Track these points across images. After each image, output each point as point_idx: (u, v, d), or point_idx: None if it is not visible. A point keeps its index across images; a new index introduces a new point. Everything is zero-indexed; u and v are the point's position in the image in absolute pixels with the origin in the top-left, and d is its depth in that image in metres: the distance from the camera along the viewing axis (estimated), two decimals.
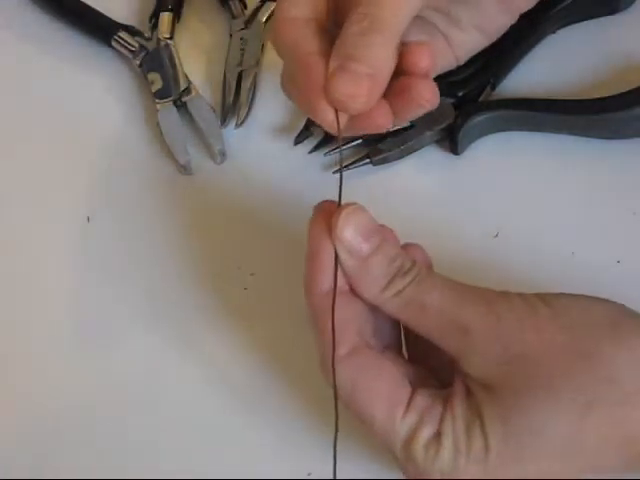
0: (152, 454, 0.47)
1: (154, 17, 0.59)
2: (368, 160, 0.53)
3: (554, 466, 0.36)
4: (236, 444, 0.46)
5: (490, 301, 0.38)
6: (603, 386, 0.35)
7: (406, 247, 0.42)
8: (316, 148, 0.54)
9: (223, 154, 0.54)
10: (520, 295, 0.38)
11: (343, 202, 0.40)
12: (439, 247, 0.51)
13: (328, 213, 0.40)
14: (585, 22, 0.56)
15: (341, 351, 0.38)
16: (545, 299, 0.38)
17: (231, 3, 0.59)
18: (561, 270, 0.49)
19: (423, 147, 0.53)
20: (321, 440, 0.44)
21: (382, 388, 0.38)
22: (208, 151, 0.55)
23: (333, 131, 0.40)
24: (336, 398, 0.38)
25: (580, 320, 0.37)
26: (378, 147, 0.53)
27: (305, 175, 0.54)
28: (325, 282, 0.39)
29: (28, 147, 0.56)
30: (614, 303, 0.39)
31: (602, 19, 0.56)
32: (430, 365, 0.41)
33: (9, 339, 0.51)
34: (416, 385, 0.39)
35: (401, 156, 0.53)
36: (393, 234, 0.41)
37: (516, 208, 0.51)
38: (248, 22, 0.58)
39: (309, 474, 0.45)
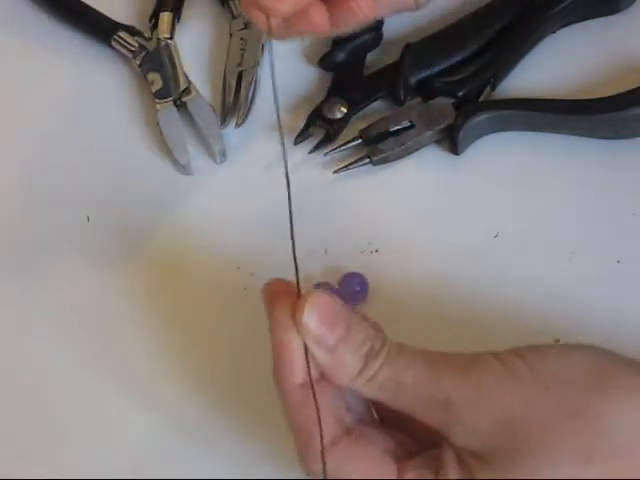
0: (147, 447, 0.47)
1: (154, 17, 0.59)
2: (368, 160, 0.53)
3: None
4: (236, 444, 0.46)
5: (466, 368, 0.37)
6: (598, 440, 0.34)
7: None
8: (316, 148, 0.54)
9: (223, 154, 0.54)
10: (494, 355, 0.37)
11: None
12: (439, 247, 0.51)
13: (285, 298, 0.39)
14: (585, 22, 0.56)
15: (318, 445, 0.37)
16: (521, 355, 0.37)
17: (231, 3, 0.59)
18: (561, 270, 0.49)
19: (423, 147, 0.53)
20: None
21: (369, 474, 0.37)
22: (208, 151, 0.55)
23: (269, 34, 0.41)
24: None
25: (561, 375, 0.36)
26: (378, 147, 0.53)
27: (305, 175, 0.54)
28: (297, 374, 0.38)
29: (28, 147, 0.56)
30: (592, 350, 0.37)
31: (602, 19, 0.56)
32: (406, 429, 0.40)
33: (9, 340, 0.51)
34: (400, 458, 0.38)
35: (401, 156, 0.53)
36: (356, 311, 0.40)
37: (516, 208, 0.51)
38: (248, 22, 0.58)
39: (309, 474, 0.45)
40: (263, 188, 0.53)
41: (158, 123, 0.55)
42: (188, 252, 0.52)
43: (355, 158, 0.53)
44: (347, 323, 0.38)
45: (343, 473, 0.37)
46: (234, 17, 0.58)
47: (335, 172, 0.53)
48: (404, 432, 0.40)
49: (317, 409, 0.37)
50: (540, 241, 0.50)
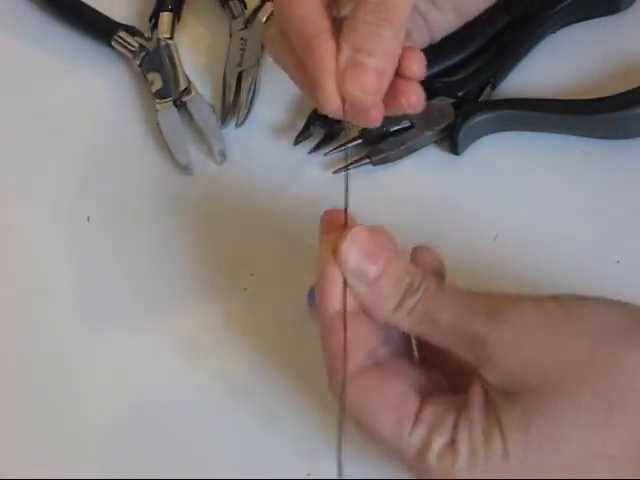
0: (154, 453, 0.47)
1: (154, 17, 0.59)
2: (368, 160, 0.53)
3: (573, 473, 0.35)
4: (236, 444, 0.46)
5: (502, 309, 0.37)
6: (624, 394, 0.35)
7: (416, 251, 0.42)
8: (316, 148, 0.54)
9: (223, 154, 0.54)
10: (533, 298, 0.38)
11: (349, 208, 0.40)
12: (439, 247, 0.51)
13: (335, 231, 0.40)
14: (585, 22, 0.56)
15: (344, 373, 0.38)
16: (559, 301, 0.38)
17: (231, 3, 0.59)
18: (561, 270, 0.49)
19: (423, 147, 0.53)
20: (321, 440, 0.44)
21: (387, 406, 0.38)
22: (208, 151, 0.55)
23: (335, 116, 0.40)
24: (341, 417, 0.37)
25: (597, 324, 0.37)
26: (378, 147, 0.53)
27: (305, 175, 0.54)
28: (336, 302, 0.39)
29: (28, 147, 0.56)
30: (629, 307, 0.38)
31: (602, 19, 0.56)
32: (444, 369, 0.41)
33: (8, 339, 0.51)
34: (427, 393, 0.38)
35: (401, 156, 0.53)
36: (396, 246, 0.41)
37: (516, 208, 0.51)
38: (248, 22, 0.58)
39: (309, 474, 0.45)
40: (263, 188, 0.53)
41: (158, 123, 0.55)
42: (188, 252, 0.52)
43: (355, 158, 0.53)
44: (387, 257, 0.39)
45: (364, 403, 0.38)
46: (234, 17, 0.59)
47: (335, 172, 0.53)
48: (443, 373, 0.40)
49: (345, 337, 0.38)
50: (540, 241, 0.50)
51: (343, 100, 0.39)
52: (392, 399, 0.38)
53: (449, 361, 0.40)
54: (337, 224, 0.40)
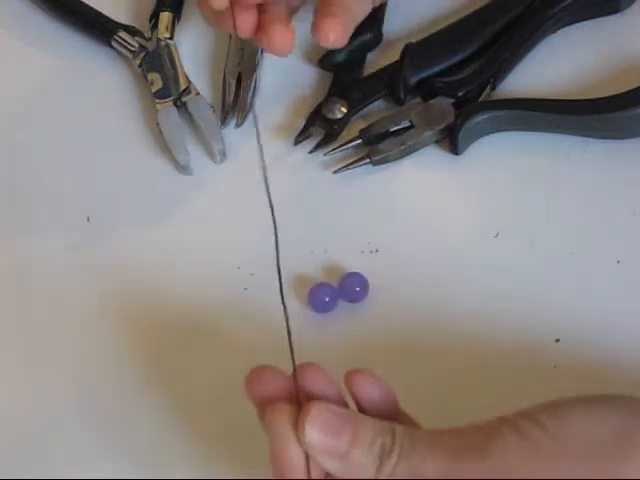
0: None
1: (154, 17, 0.59)
2: (368, 160, 0.53)
3: None
4: (236, 444, 0.46)
5: (485, 448, 0.35)
6: None
7: (353, 382, 0.39)
8: (316, 148, 0.54)
9: (223, 154, 0.54)
10: (511, 426, 0.36)
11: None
12: (439, 247, 0.51)
13: (280, 406, 0.38)
14: (585, 22, 0.56)
15: None
16: (539, 422, 0.35)
17: None
18: (561, 270, 0.49)
19: (423, 147, 0.53)
20: None
21: None
22: (208, 151, 0.55)
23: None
24: None
25: (586, 440, 0.35)
26: (378, 147, 0.53)
27: (305, 175, 0.54)
28: (296, 477, 0.37)
29: (27, 147, 0.56)
30: (614, 405, 0.36)
31: (602, 19, 0.56)
32: None
33: (8, 339, 0.51)
34: None
35: (401, 156, 0.53)
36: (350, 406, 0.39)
37: (516, 208, 0.51)
38: None
39: None
40: (263, 188, 0.53)
41: (158, 123, 0.55)
42: (188, 252, 0.52)
43: (355, 158, 0.53)
44: (352, 427, 0.37)
45: None
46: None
47: (335, 172, 0.53)
48: None
49: None
50: (540, 241, 0.50)
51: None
52: None
53: None
54: (274, 396, 0.38)
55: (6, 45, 0.60)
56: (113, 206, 0.54)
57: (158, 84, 0.56)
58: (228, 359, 0.48)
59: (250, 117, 0.55)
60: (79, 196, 0.54)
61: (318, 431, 0.37)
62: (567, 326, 0.48)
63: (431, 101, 0.53)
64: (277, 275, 0.42)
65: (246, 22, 0.46)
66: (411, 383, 0.43)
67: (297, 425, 0.37)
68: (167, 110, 0.55)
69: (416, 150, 0.53)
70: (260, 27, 0.46)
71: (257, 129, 0.39)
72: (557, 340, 0.47)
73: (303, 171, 0.54)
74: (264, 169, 0.39)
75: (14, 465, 0.46)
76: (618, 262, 0.49)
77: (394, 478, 0.36)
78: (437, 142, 0.53)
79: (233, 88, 0.56)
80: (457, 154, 0.53)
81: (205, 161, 0.55)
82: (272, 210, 0.39)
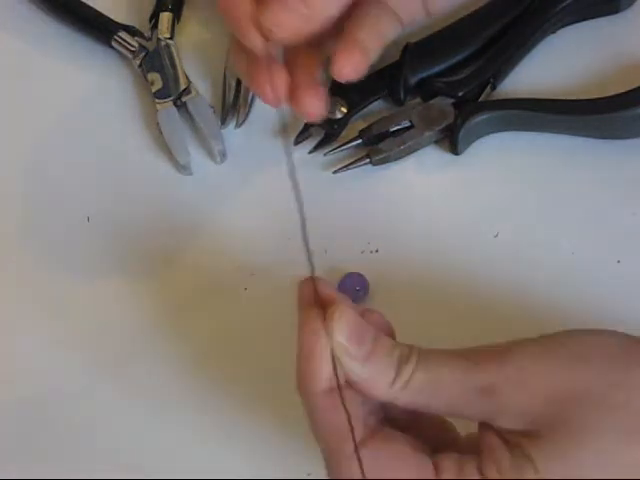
0: (152, 453, 0.47)
1: (154, 17, 0.59)
2: (368, 160, 0.53)
3: None
4: (236, 444, 0.46)
5: (502, 353, 0.37)
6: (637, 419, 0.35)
7: (365, 314, 0.40)
8: (316, 148, 0.54)
9: (223, 154, 0.54)
10: (527, 339, 0.37)
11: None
12: (439, 247, 0.51)
13: (312, 306, 0.39)
14: (585, 22, 0.56)
15: (351, 448, 0.37)
16: (551, 336, 0.37)
17: None
18: (561, 270, 0.49)
19: (423, 147, 0.53)
20: None
21: (408, 469, 0.37)
22: (208, 151, 0.55)
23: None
24: None
25: (595, 350, 0.37)
26: (378, 147, 0.53)
27: (305, 175, 0.53)
28: (324, 381, 0.37)
29: (27, 146, 0.56)
30: (617, 332, 0.38)
31: (602, 19, 0.56)
32: (412, 432, 0.39)
33: (7, 339, 0.51)
34: (427, 452, 0.38)
35: (401, 156, 0.53)
36: (379, 317, 0.40)
37: (516, 208, 0.51)
38: None
39: (309, 474, 0.45)
40: (263, 188, 0.53)
41: (158, 123, 0.55)
42: (188, 252, 0.52)
43: (355, 158, 0.53)
44: (373, 334, 0.38)
45: (384, 471, 0.37)
46: None
47: (335, 172, 0.53)
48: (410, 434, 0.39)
49: (347, 413, 0.37)
50: (540, 241, 0.50)
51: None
52: (404, 465, 0.37)
53: (419, 425, 0.39)
54: (311, 298, 0.39)
55: (6, 45, 0.60)
56: (113, 206, 0.54)
57: (158, 84, 0.56)
58: (228, 359, 0.48)
59: (250, 117, 0.55)
60: (79, 196, 0.54)
61: (345, 332, 0.37)
62: (567, 326, 0.47)
63: (431, 101, 0.53)
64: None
65: (279, 86, 0.43)
66: None
67: (327, 322, 0.38)
68: (167, 110, 0.55)
69: (416, 150, 0.53)
70: (291, 92, 0.44)
71: (284, 130, 0.40)
72: None
73: (303, 171, 0.54)
74: (292, 169, 0.40)
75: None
76: (618, 262, 0.49)
77: (408, 387, 0.37)
78: (437, 142, 0.53)
79: (233, 88, 0.56)
80: (457, 154, 0.53)
81: (205, 161, 0.55)
82: (301, 207, 0.39)
